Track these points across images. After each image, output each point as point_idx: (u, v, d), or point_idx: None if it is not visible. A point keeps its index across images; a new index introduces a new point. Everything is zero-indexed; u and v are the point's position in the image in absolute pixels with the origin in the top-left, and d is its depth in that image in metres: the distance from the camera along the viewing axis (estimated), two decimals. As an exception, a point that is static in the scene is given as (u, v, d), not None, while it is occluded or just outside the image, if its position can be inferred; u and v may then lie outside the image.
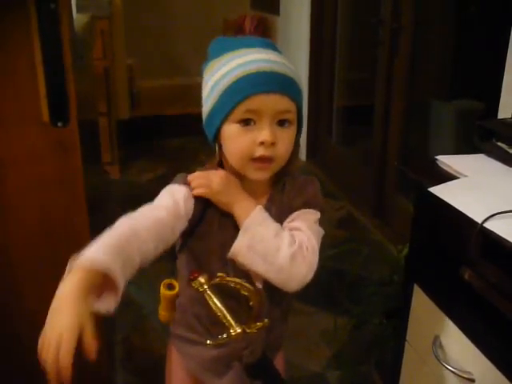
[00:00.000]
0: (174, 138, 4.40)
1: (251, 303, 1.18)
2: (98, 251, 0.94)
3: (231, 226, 1.14)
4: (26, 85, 1.46)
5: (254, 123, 1.08)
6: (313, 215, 1.18)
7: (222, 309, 1.13)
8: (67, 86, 1.48)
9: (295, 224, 1.15)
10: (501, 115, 1.95)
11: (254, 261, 1.09)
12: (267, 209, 1.16)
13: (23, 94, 1.47)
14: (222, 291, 1.14)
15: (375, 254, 2.76)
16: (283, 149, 1.11)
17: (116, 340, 2.42)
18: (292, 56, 4.43)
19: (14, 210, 1.57)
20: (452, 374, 1.27)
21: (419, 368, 1.46)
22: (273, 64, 1.08)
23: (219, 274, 1.14)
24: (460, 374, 1.25)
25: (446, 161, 1.40)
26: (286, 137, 1.10)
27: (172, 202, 1.10)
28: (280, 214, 1.18)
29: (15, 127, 1.50)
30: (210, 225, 1.16)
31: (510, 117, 1.75)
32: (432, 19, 3.38)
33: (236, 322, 1.14)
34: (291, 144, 1.13)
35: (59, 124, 1.50)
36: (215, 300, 1.13)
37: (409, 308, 1.47)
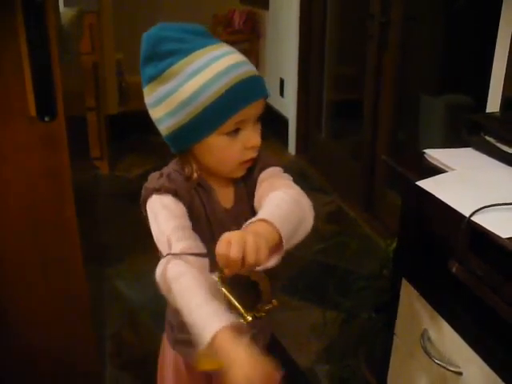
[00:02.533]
0: (164, 133, 4.37)
1: (261, 287, 1.18)
2: None
3: (218, 222, 1.15)
4: (13, 79, 1.45)
5: (241, 130, 1.08)
6: (276, 170, 1.18)
7: (233, 300, 1.12)
8: (54, 81, 1.47)
9: (271, 184, 1.14)
10: (489, 109, 1.95)
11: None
12: (236, 193, 1.18)
13: (10, 89, 1.46)
14: (228, 281, 1.13)
15: (364, 248, 2.76)
16: (261, 142, 1.13)
17: (106, 335, 2.41)
18: (281, 50, 4.43)
19: (1, 205, 1.56)
20: (440, 367, 1.28)
21: (408, 361, 1.47)
22: (244, 67, 1.08)
23: None
24: (447, 367, 1.26)
25: (434, 154, 1.40)
26: (260, 131, 1.13)
27: (178, 221, 1.08)
28: (248, 192, 1.19)
29: (2, 121, 1.49)
30: (198, 215, 1.15)
31: (497, 111, 1.75)
32: (421, 13, 3.37)
33: (246, 311, 1.14)
34: None
35: (46, 118, 1.49)
36: (225, 292, 1.12)
37: (397, 302, 1.47)
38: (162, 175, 1.14)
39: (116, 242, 3.11)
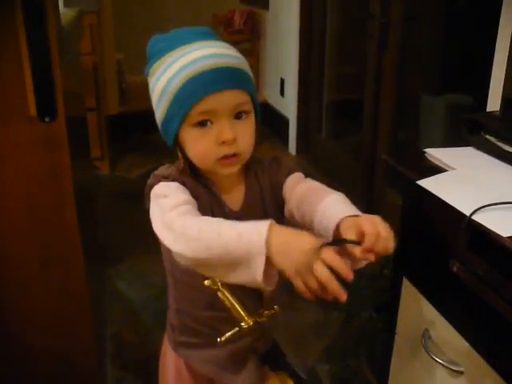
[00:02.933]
0: (164, 133, 4.37)
1: (264, 292, 1.17)
2: None
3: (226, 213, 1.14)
4: (13, 79, 1.45)
5: (212, 123, 1.06)
6: (301, 175, 1.21)
7: (235, 304, 1.13)
8: (54, 81, 1.47)
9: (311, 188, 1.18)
10: (489, 108, 1.95)
11: None
12: (247, 196, 1.17)
13: (10, 89, 1.46)
14: (229, 285, 1.13)
15: (365, 248, 2.76)
16: (246, 141, 1.10)
17: (106, 335, 2.41)
18: (281, 50, 4.43)
19: (2, 205, 1.56)
20: (441, 366, 1.28)
21: (409, 360, 1.46)
22: (217, 59, 1.05)
23: None
24: (449, 366, 1.26)
25: (435, 154, 1.40)
26: (245, 128, 1.09)
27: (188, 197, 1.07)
28: (263, 197, 1.19)
29: (2, 122, 1.49)
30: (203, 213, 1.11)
31: (498, 110, 1.75)
32: (421, 13, 3.37)
33: (247, 315, 1.14)
34: (253, 133, 1.12)
35: (46, 119, 1.49)
36: (228, 295, 1.12)
37: (398, 301, 1.47)
38: (170, 166, 1.15)
39: (116, 241, 3.11)
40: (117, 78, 4.56)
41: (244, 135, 1.09)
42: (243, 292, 1.14)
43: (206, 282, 1.11)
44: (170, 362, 1.33)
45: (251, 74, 1.12)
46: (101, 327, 2.33)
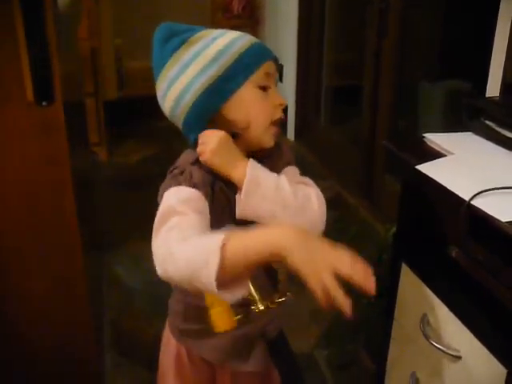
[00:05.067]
0: (162, 118, 4.34)
1: (279, 277, 1.18)
2: None
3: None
4: (10, 63, 1.44)
5: (268, 88, 1.14)
6: (296, 170, 1.22)
7: (251, 286, 1.12)
8: (52, 65, 1.46)
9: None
10: (489, 94, 1.95)
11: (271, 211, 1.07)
12: None
13: (7, 73, 1.45)
14: None
15: (363, 234, 2.77)
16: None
17: (104, 322, 2.42)
18: (280, 36, 4.41)
19: (-1, 191, 1.56)
20: (439, 352, 1.28)
21: (407, 346, 1.47)
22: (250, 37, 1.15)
23: None
24: (447, 351, 1.26)
25: (434, 138, 1.40)
26: None
27: (199, 216, 1.02)
28: None
29: (-1, 106, 1.48)
30: (218, 204, 1.10)
31: (497, 95, 1.75)
32: (420, -1, 3.36)
33: (260, 299, 1.13)
34: None
35: (44, 103, 1.48)
36: None
37: (397, 286, 1.47)
38: (182, 173, 1.09)
39: (114, 227, 3.11)
40: (115, 63, 4.53)
41: None
42: (260, 275, 1.14)
43: None
44: (171, 349, 1.33)
45: None
46: (99, 313, 2.33)
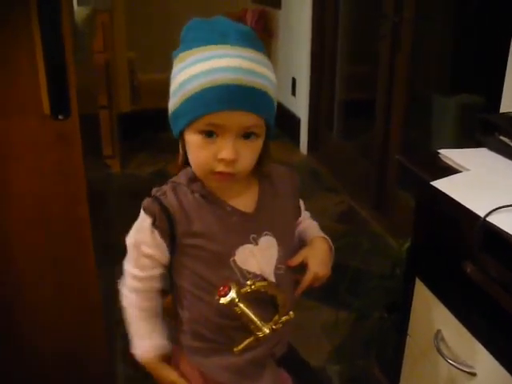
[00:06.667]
0: (175, 131, 4.38)
1: (278, 301, 1.18)
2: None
3: (233, 231, 1.14)
4: (27, 77, 1.45)
5: (217, 135, 1.04)
6: (302, 203, 1.32)
7: (250, 314, 1.12)
8: (68, 79, 1.47)
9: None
10: (503, 109, 1.94)
11: None
12: (261, 199, 1.18)
13: (24, 86, 1.46)
14: (245, 297, 1.13)
15: (376, 248, 2.76)
16: (246, 163, 1.08)
17: (118, 333, 2.41)
18: (294, 50, 4.42)
19: (14, 202, 1.57)
20: (453, 368, 1.27)
21: (420, 362, 1.46)
22: (243, 75, 1.01)
23: (248, 283, 1.13)
24: (461, 367, 1.25)
25: (449, 154, 1.39)
26: (249, 150, 1.07)
27: (151, 262, 1.25)
28: (274, 199, 1.20)
29: (16, 119, 1.49)
30: (209, 225, 1.13)
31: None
32: (434, 12, 3.36)
33: (263, 324, 1.14)
34: (256, 155, 1.10)
35: (60, 117, 1.49)
36: (245, 309, 1.12)
37: (410, 301, 1.46)
38: (165, 193, 1.19)
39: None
40: (129, 76, 4.56)
41: (246, 156, 1.07)
42: (258, 302, 1.15)
43: (223, 300, 1.10)
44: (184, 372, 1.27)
45: (274, 95, 1.09)
46: (111, 326, 2.33)
